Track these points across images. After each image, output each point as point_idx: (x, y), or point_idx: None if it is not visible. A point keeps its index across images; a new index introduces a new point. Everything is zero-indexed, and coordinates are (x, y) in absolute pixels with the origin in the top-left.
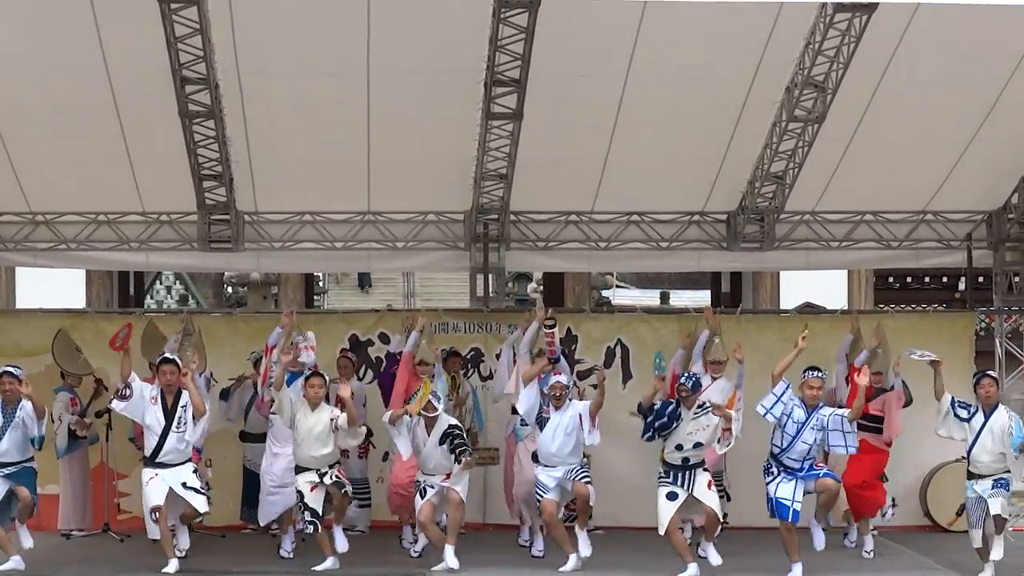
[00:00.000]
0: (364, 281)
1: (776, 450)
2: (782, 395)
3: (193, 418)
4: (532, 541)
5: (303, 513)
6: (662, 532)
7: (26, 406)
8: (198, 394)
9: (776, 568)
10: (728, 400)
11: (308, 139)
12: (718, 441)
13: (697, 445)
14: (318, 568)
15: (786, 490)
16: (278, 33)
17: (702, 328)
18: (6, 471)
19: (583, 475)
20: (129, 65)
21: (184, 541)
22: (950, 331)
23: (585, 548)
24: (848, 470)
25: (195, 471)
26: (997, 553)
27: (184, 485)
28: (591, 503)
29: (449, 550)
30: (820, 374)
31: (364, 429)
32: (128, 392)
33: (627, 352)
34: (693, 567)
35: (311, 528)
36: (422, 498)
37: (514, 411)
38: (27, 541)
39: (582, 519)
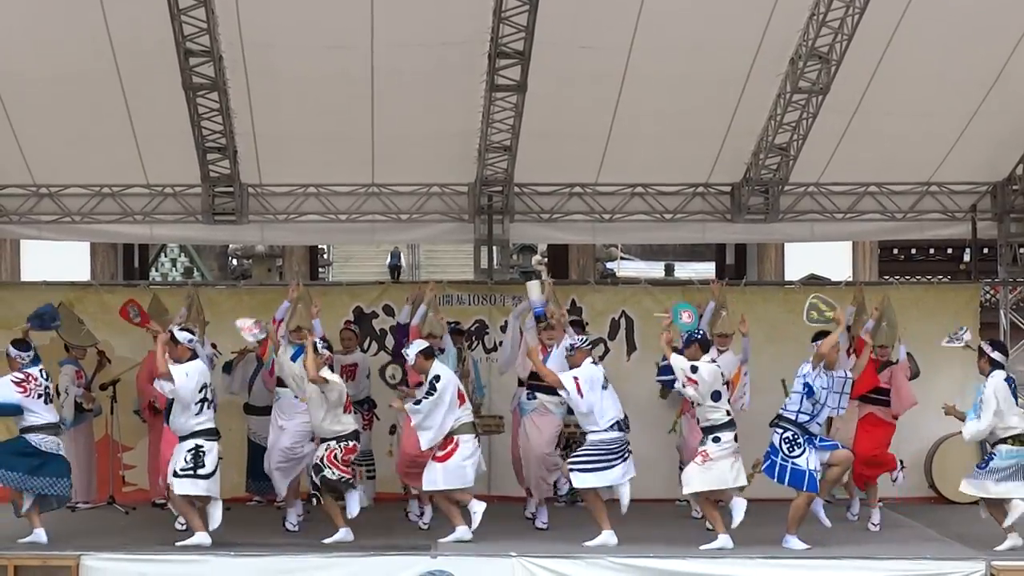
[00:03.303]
0: None
1: (804, 418)
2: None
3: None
4: (537, 514)
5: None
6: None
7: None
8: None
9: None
10: (734, 374)
11: (312, 111)
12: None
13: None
14: (329, 540)
15: (814, 462)
16: (281, 5)
17: (707, 301)
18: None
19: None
20: (132, 37)
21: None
22: (955, 303)
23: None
24: (857, 442)
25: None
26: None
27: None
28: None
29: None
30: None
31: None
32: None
33: (631, 324)
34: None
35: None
36: None
37: (520, 383)
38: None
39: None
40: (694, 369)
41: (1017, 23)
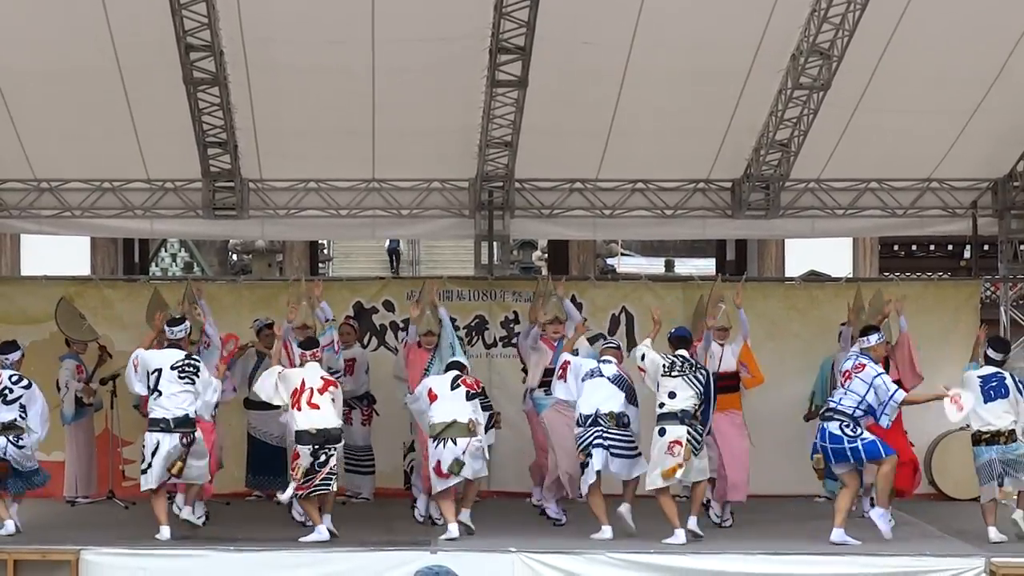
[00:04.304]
0: None
1: (860, 414)
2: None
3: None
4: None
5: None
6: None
7: None
8: None
9: (792, 535)
10: (742, 353)
11: (313, 106)
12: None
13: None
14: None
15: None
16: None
17: (707, 297)
18: None
19: None
20: (133, 32)
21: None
22: (955, 299)
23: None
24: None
25: None
26: None
27: None
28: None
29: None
30: (880, 336)
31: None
32: None
33: (632, 320)
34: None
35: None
36: None
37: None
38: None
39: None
40: (643, 357)
41: (1018, 20)
